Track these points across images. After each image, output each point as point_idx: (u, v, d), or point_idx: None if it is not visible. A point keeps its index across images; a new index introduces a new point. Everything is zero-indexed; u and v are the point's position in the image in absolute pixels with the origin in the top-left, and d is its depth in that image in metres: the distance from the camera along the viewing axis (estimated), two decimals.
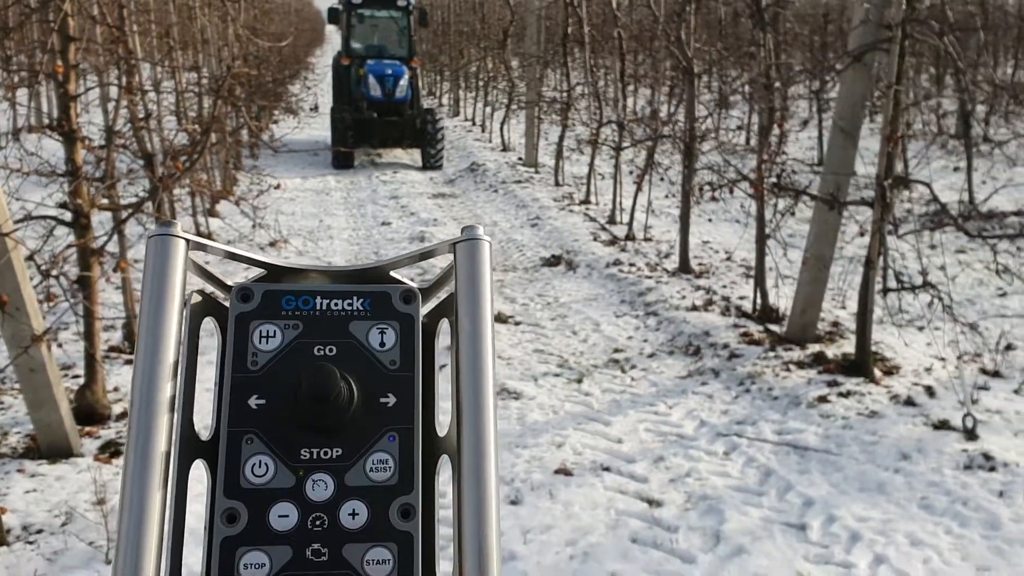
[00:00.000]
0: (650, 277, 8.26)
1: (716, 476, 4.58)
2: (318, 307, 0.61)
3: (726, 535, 4.00)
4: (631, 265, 8.69)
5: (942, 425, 4.96)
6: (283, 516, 0.56)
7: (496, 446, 0.57)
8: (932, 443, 4.76)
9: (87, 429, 4.94)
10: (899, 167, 6.77)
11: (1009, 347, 6.24)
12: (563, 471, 4.60)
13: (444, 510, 0.59)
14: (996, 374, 5.79)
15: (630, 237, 9.67)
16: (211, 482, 0.57)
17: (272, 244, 9.45)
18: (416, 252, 0.65)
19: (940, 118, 11.88)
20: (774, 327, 6.72)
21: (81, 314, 5.13)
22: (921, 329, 6.67)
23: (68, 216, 5.17)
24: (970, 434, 4.79)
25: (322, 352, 0.60)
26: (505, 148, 16.65)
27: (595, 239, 9.81)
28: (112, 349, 6.26)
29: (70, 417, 4.66)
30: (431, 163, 14.69)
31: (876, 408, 5.21)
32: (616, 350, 6.52)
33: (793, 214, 6.09)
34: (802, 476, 4.54)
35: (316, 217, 11.30)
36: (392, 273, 0.65)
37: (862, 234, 7.01)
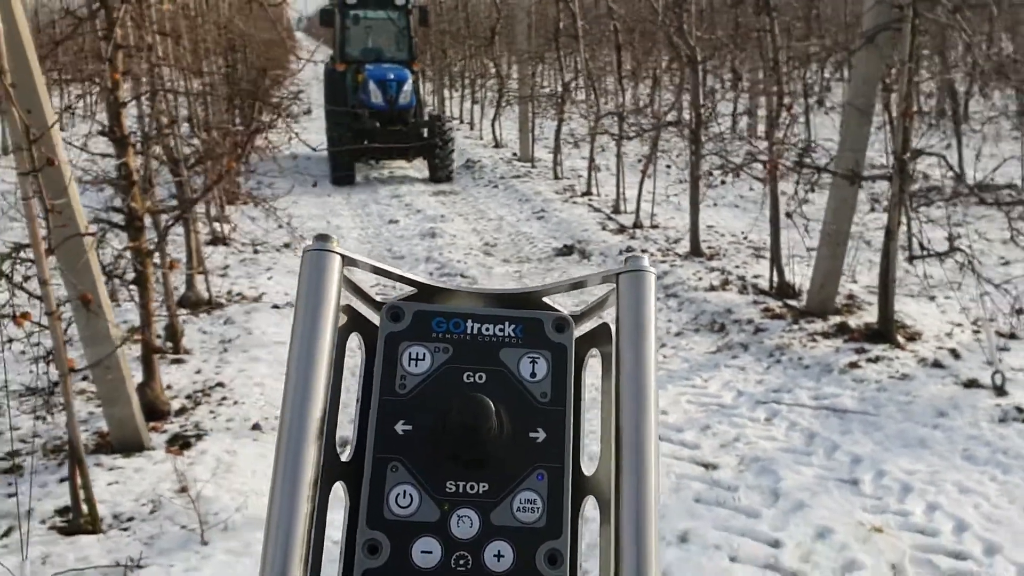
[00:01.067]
0: (664, 261, 8.49)
1: (763, 440, 4.80)
2: (469, 331, 0.60)
3: (784, 492, 4.22)
4: (643, 251, 8.88)
5: (971, 384, 5.22)
6: (426, 552, 0.54)
7: (658, 493, 0.55)
8: (965, 400, 5.02)
9: (152, 424, 5.10)
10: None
11: (1021, 311, 6.52)
12: None
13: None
14: (1012, 336, 6.06)
15: (638, 225, 9.89)
16: (350, 507, 0.56)
17: (287, 246, 9.60)
18: (572, 280, 0.63)
19: (927, 97, 12.20)
20: (792, 302, 6.97)
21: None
22: (932, 299, 6.95)
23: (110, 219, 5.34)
24: (999, 390, 5.05)
25: (471, 379, 0.58)
26: (498, 144, 16.84)
27: (603, 228, 10.03)
28: (154, 350, 6.40)
29: (140, 413, 4.82)
30: (441, 175, 13.46)
31: (906, 371, 5.47)
32: None
33: (813, 191, 6.32)
34: (845, 436, 4.77)
35: (322, 218, 11.43)
36: (545, 299, 0.63)
37: (872, 210, 7.27)
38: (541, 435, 0.57)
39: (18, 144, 3.54)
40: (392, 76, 12.99)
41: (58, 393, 5.57)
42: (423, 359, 0.58)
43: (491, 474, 0.56)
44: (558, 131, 13.23)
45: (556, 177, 13.32)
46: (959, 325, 6.26)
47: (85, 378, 5.22)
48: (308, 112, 20.64)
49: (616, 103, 11.31)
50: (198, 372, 6.03)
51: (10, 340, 4.77)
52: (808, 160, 6.34)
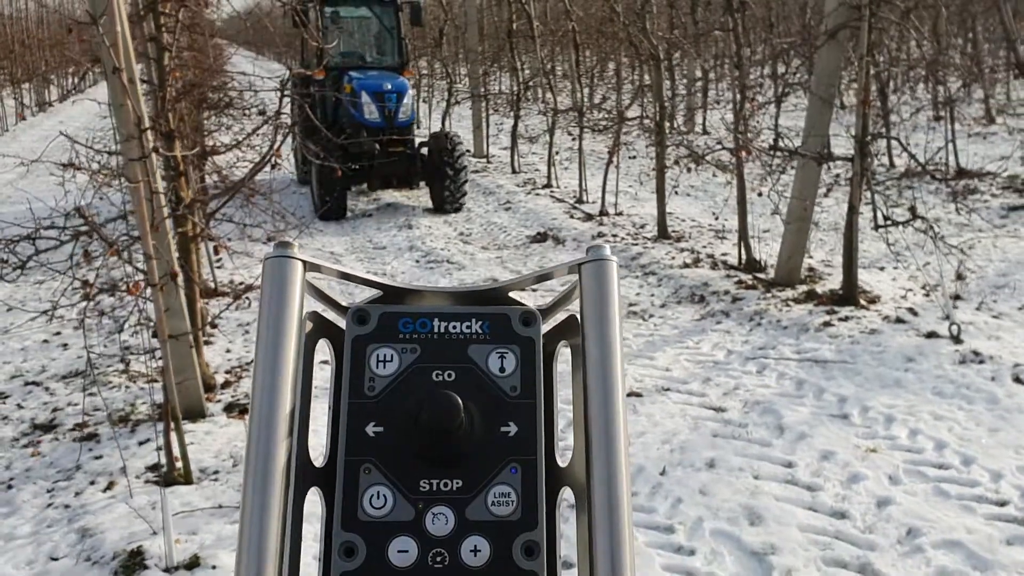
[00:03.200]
0: (636, 244, 9.16)
1: (759, 388, 5.48)
2: (436, 330, 0.60)
3: (787, 426, 4.89)
4: (614, 236, 9.58)
5: (932, 335, 5.99)
6: (402, 551, 0.55)
7: (629, 480, 0.55)
8: (928, 348, 5.78)
9: (205, 395, 5.53)
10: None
11: (960, 276, 7.36)
12: (634, 394, 5.43)
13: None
14: (957, 297, 6.88)
15: (604, 213, 10.56)
16: (326, 512, 0.56)
17: (270, 239, 9.97)
18: (537, 273, 0.64)
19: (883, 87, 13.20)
20: (761, 275, 7.70)
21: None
22: (882, 269, 7.76)
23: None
24: (956, 339, 5.83)
25: (440, 378, 0.59)
26: None
27: (571, 217, 10.67)
28: (211, 324, 6.82)
29: (200, 382, 5.26)
30: (450, 206, 11.08)
31: (874, 327, 6.22)
32: (631, 304, 7.38)
33: (784, 172, 7.04)
34: (830, 382, 5.48)
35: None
36: (511, 294, 0.64)
37: (829, 191, 8.05)
38: (513, 429, 0.57)
39: (130, 134, 3.98)
40: (390, 87, 10.72)
41: (134, 362, 6.02)
42: (391, 360, 0.59)
43: (464, 470, 0.56)
44: (515, 127, 13.84)
45: (514, 171, 13.92)
46: (911, 290, 7.06)
47: (150, 353, 5.62)
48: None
49: (575, 100, 11.97)
50: (228, 351, 6.46)
51: (102, 313, 5.17)
52: (781, 144, 7.06)
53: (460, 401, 0.55)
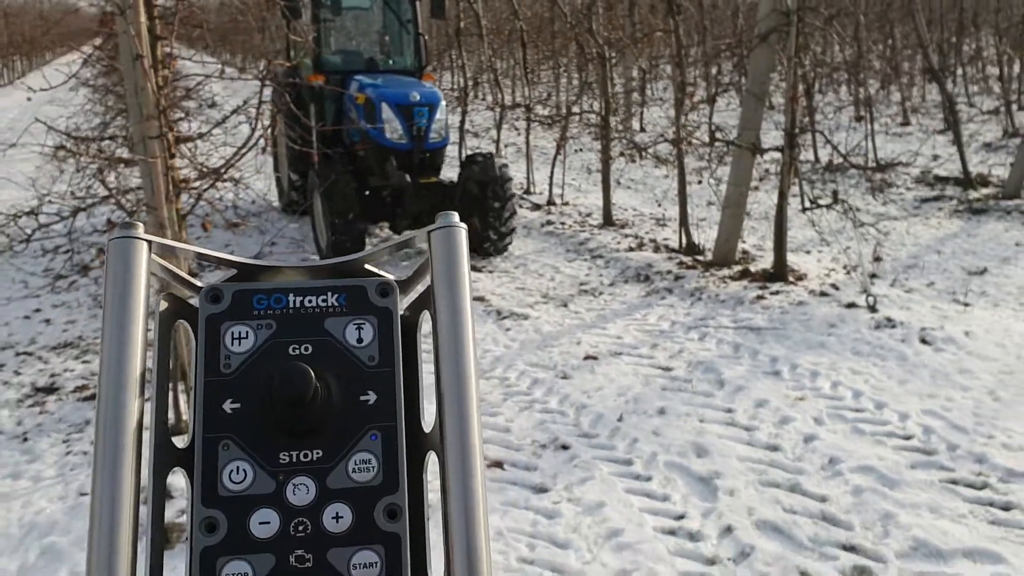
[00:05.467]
0: (583, 231, 9.80)
1: (701, 351, 6.14)
2: (291, 305, 0.60)
3: (727, 381, 5.56)
4: (562, 223, 10.21)
5: (851, 305, 6.73)
6: (264, 523, 0.56)
7: (480, 439, 0.57)
8: (848, 316, 6.52)
9: None
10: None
11: (878, 259, 8.16)
12: (590, 357, 6.04)
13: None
14: (874, 276, 7.66)
15: (551, 203, 11.18)
16: (190, 491, 0.57)
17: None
18: (391, 243, 0.65)
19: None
20: (699, 257, 8.40)
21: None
22: (808, 252, 8.53)
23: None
24: (872, 308, 6.57)
25: (297, 351, 0.59)
26: None
27: (520, 206, 11.26)
28: None
29: None
30: (495, 246, 8.56)
31: (801, 299, 6.95)
32: (581, 283, 8.00)
33: (722, 162, 7.74)
34: (763, 345, 6.16)
35: None
36: (367, 266, 0.65)
37: (760, 181, 8.79)
38: (372, 397, 0.59)
39: (149, 114, 4.44)
40: (419, 97, 8.09)
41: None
42: (246, 337, 0.59)
43: (324, 440, 0.58)
44: (462, 123, 14.38)
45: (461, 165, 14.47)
46: (833, 269, 7.82)
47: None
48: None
49: (522, 96, 12.58)
50: None
51: None
52: (719, 136, 7.75)
53: (310, 371, 0.56)
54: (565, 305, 7.34)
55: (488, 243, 8.52)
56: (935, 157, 11.79)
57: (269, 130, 5.90)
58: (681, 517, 4.09)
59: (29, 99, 7.81)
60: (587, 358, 6.02)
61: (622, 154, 9.69)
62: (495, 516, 4.10)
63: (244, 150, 6.19)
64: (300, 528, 0.56)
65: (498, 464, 4.60)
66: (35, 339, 6.73)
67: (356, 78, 8.59)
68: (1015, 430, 4.76)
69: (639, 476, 4.45)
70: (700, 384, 5.54)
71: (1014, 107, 14.63)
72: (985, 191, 10.68)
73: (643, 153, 9.47)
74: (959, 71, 16.79)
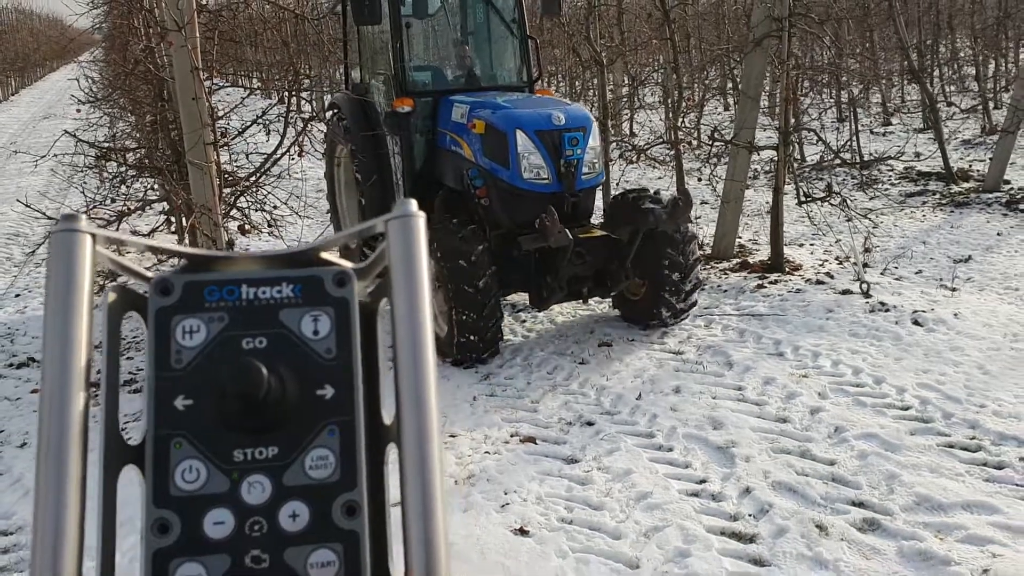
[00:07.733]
0: None
1: (708, 337, 6.53)
2: (244, 296, 0.58)
3: (735, 362, 5.95)
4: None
5: (846, 292, 7.15)
6: (218, 523, 0.54)
7: (439, 431, 0.55)
8: (844, 301, 6.94)
9: None
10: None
11: (868, 250, 8.59)
12: (605, 344, 6.42)
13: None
14: (866, 265, 8.09)
15: None
16: (144, 490, 0.55)
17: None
18: (348, 232, 0.64)
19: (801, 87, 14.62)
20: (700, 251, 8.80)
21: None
22: (802, 245, 8.95)
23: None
24: (866, 295, 6.99)
25: (251, 345, 0.57)
26: None
27: None
28: None
29: None
30: (669, 314, 6.42)
31: (799, 288, 7.36)
32: None
33: (719, 160, 8.15)
34: (765, 330, 6.56)
35: None
36: (323, 255, 0.62)
37: (754, 178, 9.22)
38: (329, 391, 0.57)
39: (204, 122, 4.80)
40: (564, 120, 6.01)
41: None
42: (198, 331, 0.57)
43: (280, 437, 0.56)
44: None
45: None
46: (827, 260, 8.25)
47: None
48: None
49: None
50: None
51: None
52: (718, 136, 8.17)
53: (262, 367, 0.54)
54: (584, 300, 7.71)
55: (664, 307, 6.35)
56: (917, 155, 12.26)
57: (298, 141, 6.23)
58: (703, 481, 4.47)
59: (78, 111, 8.17)
60: (601, 345, 6.40)
61: (621, 156, 10.09)
62: (533, 483, 4.47)
63: (277, 155, 6.53)
64: (256, 528, 0.55)
65: (531, 439, 4.97)
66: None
67: (456, 99, 6.50)
68: (1004, 399, 5.18)
69: (661, 447, 4.84)
70: (710, 366, 5.93)
71: (991, 105, 15.17)
72: (967, 185, 11.16)
73: (642, 155, 9.88)
74: (936, 72, 17.33)
